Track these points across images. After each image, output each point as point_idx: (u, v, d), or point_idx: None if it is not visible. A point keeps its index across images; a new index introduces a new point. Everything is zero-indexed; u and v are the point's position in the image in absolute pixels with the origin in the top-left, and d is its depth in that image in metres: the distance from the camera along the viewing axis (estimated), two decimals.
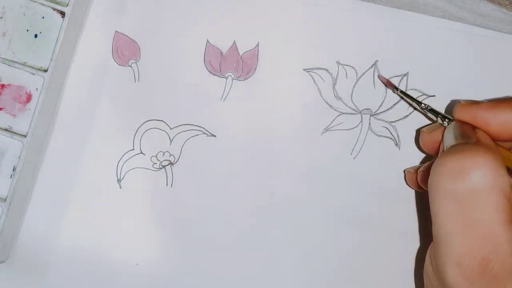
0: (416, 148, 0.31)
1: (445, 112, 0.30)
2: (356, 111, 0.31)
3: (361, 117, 0.31)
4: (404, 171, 0.31)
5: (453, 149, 0.24)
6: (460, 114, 0.26)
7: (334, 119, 0.31)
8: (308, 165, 0.31)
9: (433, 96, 0.31)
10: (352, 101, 0.31)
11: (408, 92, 0.31)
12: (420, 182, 0.29)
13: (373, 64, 0.31)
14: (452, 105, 0.30)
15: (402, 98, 0.31)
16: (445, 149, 0.25)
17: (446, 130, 0.27)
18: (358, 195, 0.31)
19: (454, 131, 0.26)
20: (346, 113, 0.31)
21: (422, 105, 0.29)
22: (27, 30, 0.30)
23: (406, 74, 0.31)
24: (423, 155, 0.31)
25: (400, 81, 0.31)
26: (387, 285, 0.31)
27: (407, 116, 0.31)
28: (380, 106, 0.31)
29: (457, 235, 0.22)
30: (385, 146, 0.31)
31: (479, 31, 0.31)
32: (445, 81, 0.31)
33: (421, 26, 0.31)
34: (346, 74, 0.31)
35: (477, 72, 0.31)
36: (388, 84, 0.31)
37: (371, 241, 0.31)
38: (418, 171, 0.29)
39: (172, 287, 0.31)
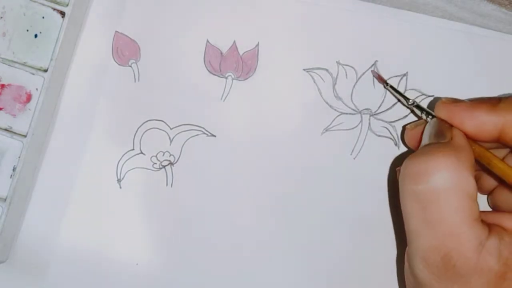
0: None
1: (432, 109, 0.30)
2: (356, 111, 0.31)
3: (361, 117, 0.31)
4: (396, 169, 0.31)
5: (420, 150, 0.25)
6: (440, 111, 0.27)
7: (334, 119, 0.31)
8: (308, 165, 0.31)
9: (432, 96, 0.31)
10: (352, 101, 0.31)
11: (407, 92, 0.31)
12: None
13: (372, 64, 0.31)
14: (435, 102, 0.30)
15: (391, 93, 0.31)
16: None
17: (426, 126, 0.27)
18: (358, 195, 0.31)
19: (431, 129, 0.26)
20: (346, 113, 0.31)
21: (410, 101, 0.29)
22: (27, 30, 0.30)
23: (405, 74, 0.31)
24: None
25: (400, 81, 0.31)
26: (387, 285, 0.31)
27: (406, 116, 0.31)
28: (380, 106, 0.31)
29: (422, 232, 0.23)
30: (385, 146, 0.31)
31: (479, 31, 0.31)
32: (445, 81, 0.31)
33: (421, 26, 0.31)
34: (346, 74, 0.31)
35: (477, 72, 0.31)
36: (379, 79, 0.31)
37: (371, 241, 0.31)
38: (396, 169, 0.29)
39: (172, 287, 0.31)
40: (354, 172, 0.31)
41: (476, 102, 0.26)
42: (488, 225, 0.24)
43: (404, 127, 0.31)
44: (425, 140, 0.26)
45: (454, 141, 0.25)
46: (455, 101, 0.26)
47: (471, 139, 0.26)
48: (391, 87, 0.30)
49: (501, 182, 0.27)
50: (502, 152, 0.28)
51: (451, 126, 0.26)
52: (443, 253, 0.23)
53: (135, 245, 0.31)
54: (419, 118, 0.29)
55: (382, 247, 0.31)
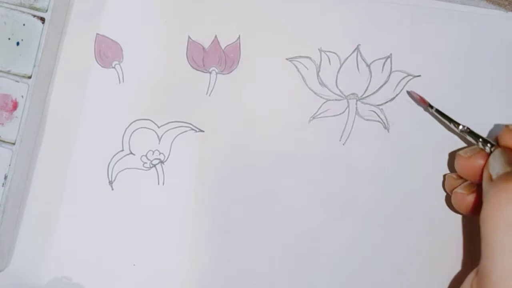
0: (405, 129, 0.30)
1: (484, 135, 0.29)
2: (342, 96, 0.31)
3: (348, 102, 0.31)
4: (451, 190, 0.29)
5: (510, 176, 0.22)
6: (509, 141, 0.25)
7: (321, 106, 0.31)
8: (297, 153, 0.31)
9: (419, 76, 0.31)
10: (337, 87, 0.31)
11: (393, 74, 0.30)
12: (456, 205, 0.28)
13: (355, 49, 0.31)
14: (494, 130, 0.29)
15: (437, 117, 0.30)
16: (493, 177, 0.24)
17: (491, 156, 0.26)
18: (350, 180, 0.31)
19: (504, 158, 0.24)
20: (332, 100, 0.31)
21: (461, 127, 0.28)
22: (9, 39, 0.30)
23: (389, 56, 0.31)
24: (413, 136, 0.30)
25: (384, 63, 0.31)
26: (382, 270, 0.30)
27: (393, 98, 0.31)
28: (366, 90, 0.31)
29: None
30: (374, 130, 0.31)
31: (462, 7, 0.31)
32: (430, 60, 0.31)
33: (402, 7, 0.31)
34: (329, 61, 0.31)
35: (462, 50, 0.30)
36: (421, 101, 0.30)
37: (365, 226, 0.31)
38: (446, 175, 0.28)
39: (169, 287, 0.31)
40: (344, 158, 0.31)
41: None
42: None
43: (453, 154, 0.29)
44: (498, 169, 0.24)
45: None
46: None
47: None
48: (437, 111, 0.29)
49: None
50: None
51: None
52: None
53: (131, 246, 0.31)
54: (469, 143, 0.28)
55: (376, 231, 0.30)
